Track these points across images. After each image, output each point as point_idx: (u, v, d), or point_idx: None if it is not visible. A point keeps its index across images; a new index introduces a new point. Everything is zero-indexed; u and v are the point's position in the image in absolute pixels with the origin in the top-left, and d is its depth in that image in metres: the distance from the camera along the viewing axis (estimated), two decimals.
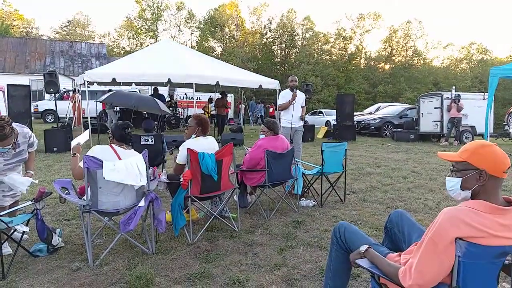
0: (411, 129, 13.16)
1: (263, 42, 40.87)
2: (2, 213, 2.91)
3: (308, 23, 40.68)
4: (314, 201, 4.72)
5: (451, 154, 1.70)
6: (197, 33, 41.45)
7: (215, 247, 3.38)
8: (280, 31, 40.71)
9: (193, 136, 3.81)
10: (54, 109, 18.65)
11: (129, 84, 14.63)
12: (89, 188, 3.00)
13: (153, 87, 13.77)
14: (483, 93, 12.70)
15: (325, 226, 3.90)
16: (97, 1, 59.95)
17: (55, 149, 8.82)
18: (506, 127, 12.59)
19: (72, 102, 14.31)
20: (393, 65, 40.34)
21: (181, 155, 3.57)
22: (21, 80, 20.78)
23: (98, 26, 62.72)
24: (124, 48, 41.08)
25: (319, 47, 41.00)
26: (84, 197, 3.18)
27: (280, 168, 4.20)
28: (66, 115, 13.86)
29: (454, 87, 12.88)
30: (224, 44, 40.79)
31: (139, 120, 15.85)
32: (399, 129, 13.50)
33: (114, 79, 10.25)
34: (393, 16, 71.92)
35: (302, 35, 41.28)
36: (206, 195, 3.65)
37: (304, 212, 4.39)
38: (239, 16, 41.72)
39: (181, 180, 3.52)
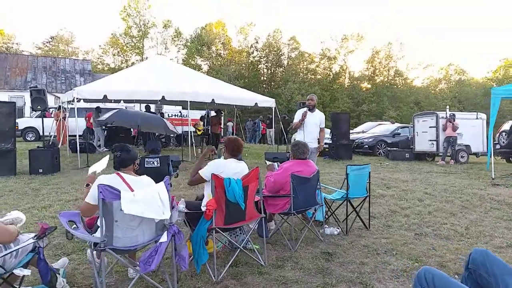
0: (406, 148, 13.09)
1: (249, 60, 41.08)
2: (1, 255, 2.43)
3: (293, 43, 41.23)
4: (338, 228, 4.38)
5: None
6: (183, 50, 41.29)
7: (245, 286, 2.98)
8: (267, 50, 41.08)
9: (223, 157, 3.49)
10: (35, 127, 18.07)
11: (118, 101, 14.14)
12: (100, 222, 2.57)
13: (144, 104, 13.30)
14: (476, 113, 12.82)
15: (360, 258, 3.55)
16: (80, 17, 59.17)
17: (40, 170, 8.18)
18: (498, 146, 12.68)
19: (56, 120, 13.65)
20: (376, 85, 41.09)
21: (208, 171, 3.29)
22: (1, 96, 19.90)
23: (82, 42, 61.88)
24: (109, 65, 40.44)
25: (305, 66, 41.49)
26: (95, 234, 2.75)
27: (306, 194, 3.86)
28: (49, 133, 13.19)
29: (448, 106, 12.98)
30: (211, 62, 40.73)
31: (128, 138, 15.39)
32: (394, 148, 13.41)
33: (105, 96, 9.77)
34: (375, 38, 73.98)
35: (288, 54, 41.77)
36: (231, 225, 3.27)
37: (331, 242, 4.04)
38: (226, 35, 41.90)
39: (203, 209, 3.14)
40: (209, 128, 12.86)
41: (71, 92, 10.44)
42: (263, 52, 41.44)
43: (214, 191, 3.05)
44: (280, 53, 41.53)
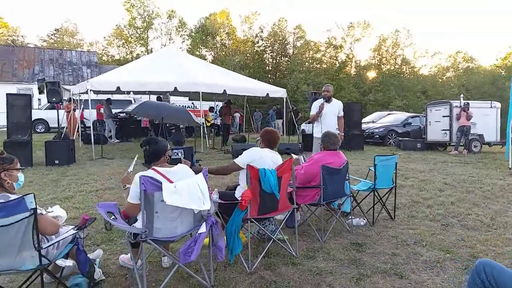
0: (417, 137, 13.02)
1: (254, 50, 40.75)
2: (45, 246, 2.45)
3: (299, 31, 40.79)
4: (364, 219, 4.38)
5: None
6: (188, 41, 41.04)
7: (280, 277, 2.99)
8: (272, 39, 40.68)
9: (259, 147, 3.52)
10: (45, 118, 18.13)
11: (127, 92, 14.15)
12: (142, 213, 2.58)
13: (156, 96, 13.29)
14: (490, 101, 12.68)
15: (391, 249, 3.55)
16: (84, 9, 58.93)
17: (56, 161, 8.24)
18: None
19: (67, 111, 13.70)
20: (383, 74, 40.70)
21: (244, 157, 3.35)
22: (9, 89, 19.94)
23: (86, 34, 61.69)
24: (114, 57, 40.34)
25: (310, 55, 41.10)
26: (135, 224, 2.77)
27: (335, 185, 3.84)
28: (60, 125, 13.25)
29: (462, 95, 12.83)
30: (215, 52, 40.49)
31: (138, 130, 15.43)
32: (406, 138, 13.35)
33: (118, 88, 9.77)
34: (382, 25, 72.95)
35: (294, 43, 41.38)
36: (264, 215, 3.27)
37: (358, 232, 4.04)
38: (230, 25, 41.55)
39: (238, 200, 3.15)
40: (221, 118, 12.82)
41: (83, 84, 10.46)
42: (268, 41, 41.05)
43: (249, 182, 3.05)
44: (286, 42, 41.12)
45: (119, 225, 2.64)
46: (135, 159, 3.45)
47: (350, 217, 4.33)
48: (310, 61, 40.92)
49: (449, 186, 6.08)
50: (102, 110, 13.83)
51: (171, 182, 2.67)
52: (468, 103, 11.40)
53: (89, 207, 4.81)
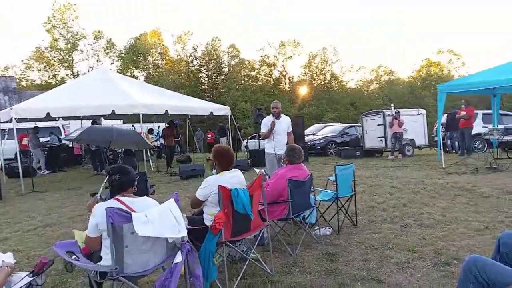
0: (356, 146, 13.73)
1: (189, 70, 40.44)
2: None
3: (233, 50, 41.42)
4: (329, 228, 4.40)
5: None
6: (118, 62, 39.40)
7: None
8: (206, 58, 40.78)
9: (214, 171, 3.29)
10: None
11: (57, 119, 13.04)
12: (110, 249, 2.29)
13: (91, 120, 12.40)
14: (417, 109, 13.87)
15: (362, 255, 3.59)
16: None
17: None
18: (435, 138, 13.81)
19: None
20: (315, 88, 42.79)
21: (203, 190, 3.10)
22: None
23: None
24: (34, 81, 37.26)
25: (246, 73, 41.87)
26: (101, 262, 2.44)
27: (301, 197, 3.82)
28: None
29: (392, 104, 13.84)
30: (147, 73, 39.39)
31: (71, 157, 14.25)
32: (346, 147, 14.01)
33: (48, 114, 8.94)
34: (311, 43, 77.08)
35: (228, 62, 41.86)
36: (237, 237, 3.11)
37: (327, 242, 4.05)
38: (163, 45, 40.87)
39: (210, 224, 2.95)
40: (164, 140, 12.32)
41: (6, 112, 9.47)
42: (202, 60, 41.11)
43: (221, 204, 2.88)
44: (220, 61, 41.50)
45: (83, 264, 2.32)
46: (103, 185, 3.10)
47: (316, 228, 4.33)
48: (246, 78, 41.65)
49: (397, 189, 6.42)
50: (25, 140, 12.48)
51: (133, 211, 2.42)
52: (398, 112, 12.34)
53: (30, 248, 4.22)
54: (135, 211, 2.46)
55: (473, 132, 10.97)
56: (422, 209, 5.13)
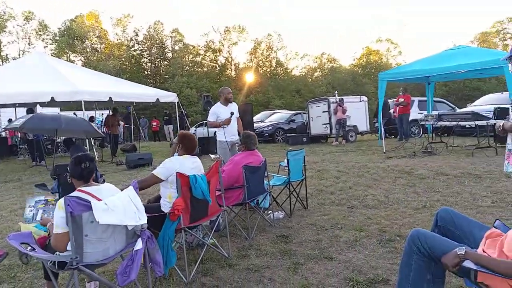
0: (303, 132, 14.19)
1: (130, 54, 38.62)
2: None
3: (177, 35, 40.23)
4: (282, 211, 4.56)
5: None
6: (52, 45, 36.51)
7: (220, 281, 2.93)
8: (148, 43, 39.20)
9: (176, 154, 3.26)
10: None
11: None
12: (71, 237, 2.20)
13: (26, 108, 11.40)
14: (359, 96, 14.61)
15: (314, 236, 3.80)
16: None
17: None
18: (376, 124, 14.71)
19: None
20: (261, 75, 43.17)
21: (165, 169, 3.09)
22: None
23: None
24: None
25: (191, 59, 40.97)
26: (58, 252, 2.33)
27: (256, 183, 3.92)
28: None
29: (336, 92, 14.43)
30: (85, 57, 36.99)
31: (4, 149, 13.08)
32: (293, 134, 14.41)
33: None
34: (256, 30, 76.96)
35: (172, 47, 40.61)
36: (196, 222, 3.13)
37: (280, 225, 4.21)
38: (101, 28, 38.48)
39: (168, 211, 2.93)
40: (107, 128, 11.73)
41: None
42: (144, 45, 39.47)
43: (180, 190, 2.87)
44: (164, 46, 40.14)
45: (40, 255, 2.21)
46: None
47: (269, 212, 4.47)
48: (191, 64, 40.78)
49: (342, 173, 6.79)
50: None
51: (100, 200, 2.34)
52: (342, 99, 12.92)
53: None
54: (99, 198, 2.37)
55: (410, 118, 11.83)
56: (366, 191, 5.49)
